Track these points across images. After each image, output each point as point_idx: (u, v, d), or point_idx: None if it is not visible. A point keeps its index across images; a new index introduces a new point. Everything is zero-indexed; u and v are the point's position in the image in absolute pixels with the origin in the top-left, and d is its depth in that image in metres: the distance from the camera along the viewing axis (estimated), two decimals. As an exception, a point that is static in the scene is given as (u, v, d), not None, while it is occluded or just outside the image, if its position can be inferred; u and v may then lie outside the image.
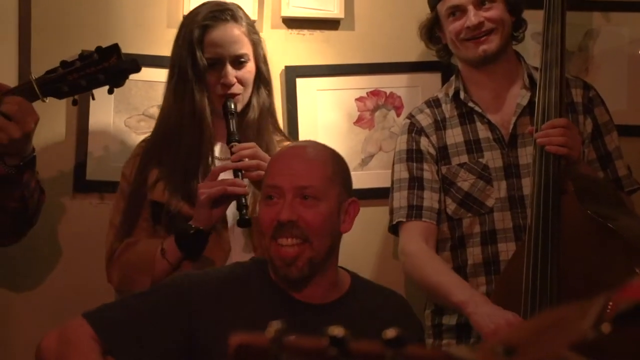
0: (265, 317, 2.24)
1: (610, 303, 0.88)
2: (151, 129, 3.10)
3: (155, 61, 3.12)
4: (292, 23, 3.26)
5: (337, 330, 0.93)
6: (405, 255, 2.92)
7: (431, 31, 3.01)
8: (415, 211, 2.94)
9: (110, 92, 2.65)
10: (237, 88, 2.78)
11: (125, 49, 2.71)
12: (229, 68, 2.77)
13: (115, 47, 2.62)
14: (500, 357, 0.92)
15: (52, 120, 3.02)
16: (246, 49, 2.80)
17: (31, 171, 2.65)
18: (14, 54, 3.14)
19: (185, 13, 3.14)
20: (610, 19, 3.33)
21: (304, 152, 2.41)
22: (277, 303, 2.33)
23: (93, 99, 2.68)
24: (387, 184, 3.05)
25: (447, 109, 3.01)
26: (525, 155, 2.90)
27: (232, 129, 2.72)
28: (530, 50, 3.24)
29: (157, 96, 3.17)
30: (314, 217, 2.30)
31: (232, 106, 2.75)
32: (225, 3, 2.87)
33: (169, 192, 2.75)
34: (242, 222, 2.64)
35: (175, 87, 2.79)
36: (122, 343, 2.27)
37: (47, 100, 2.60)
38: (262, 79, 2.86)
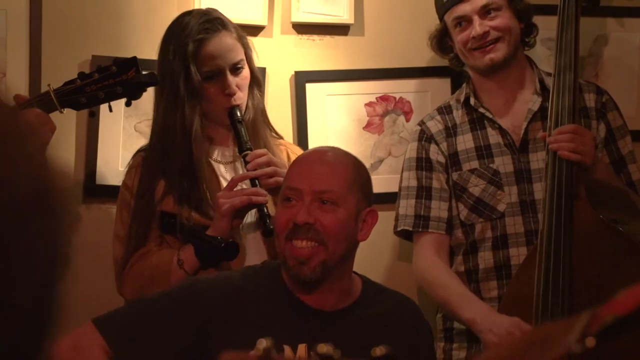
0: (275, 322, 2.24)
1: (596, 318, 0.88)
2: None
3: None
4: (302, 28, 3.27)
5: (326, 348, 0.93)
6: (417, 267, 2.96)
7: (441, 41, 3.03)
8: (422, 221, 2.96)
9: (128, 104, 2.65)
10: (239, 96, 2.79)
11: (137, 54, 2.69)
12: (230, 77, 2.76)
13: (133, 60, 2.61)
14: None
15: (63, 125, 2.98)
16: (240, 54, 2.80)
17: None
18: (25, 61, 3.15)
19: None
20: (624, 25, 3.35)
21: (325, 156, 2.41)
22: (288, 308, 2.32)
23: (110, 110, 2.67)
24: (397, 189, 3.06)
25: (458, 115, 3.02)
26: (537, 160, 2.91)
27: (244, 138, 2.73)
28: (540, 55, 3.24)
29: None
30: (331, 222, 2.30)
31: (239, 114, 2.76)
32: (211, 11, 2.86)
33: (179, 203, 2.74)
34: (267, 232, 2.63)
35: (167, 101, 2.76)
36: (130, 352, 2.26)
37: (64, 112, 2.61)
38: (255, 80, 2.86)
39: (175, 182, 2.75)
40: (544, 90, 2.96)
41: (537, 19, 3.04)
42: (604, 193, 2.81)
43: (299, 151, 2.84)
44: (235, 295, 2.32)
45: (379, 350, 0.93)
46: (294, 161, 2.46)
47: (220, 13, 2.85)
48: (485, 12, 2.90)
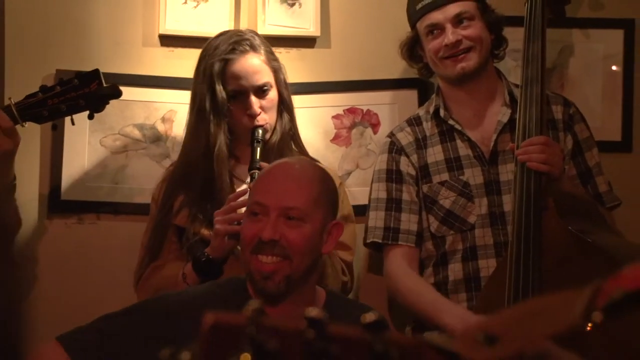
0: None
1: (601, 292, 0.87)
2: (127, 148, 3.20)
3: (131, 80, 3.15)
4: (269, 41, 3.16)
5: (314, 312, 0.90)
6: (389, 278, 2.96)
7: (412, 50, 3.03)
8: (392, 234, 2.96)
9: (91, 117, 2.67)
10: (262, 117, 2.85)
11: (101, 68, 2.73)
12: (253, 99, 2.84)
13: (96, 73, 2.64)
14: (481, 346, 0.91)
15: (27, 139, 2.98)
16: (267, 77, 2.87)
17: (11, 198, 2.66)
18: None
19: (161, 32, 3.26)
20: (589, 36, 3.38)
21: (292, 170, 2.40)
22: None
23: (73, 124, 2.68)
24: (365, 202, 3.07)
25: (428, 127, 3.02)
26: (506, 172, 2.92)
27: (255, 157, 2.77)
28: (508, 67, 3.27)
29: (133, 115, 3.24)
30: (297, 237, 2.31)
31: (259, 134, 2.81)
32: (242, 32, 2.94)
33: (191, 218, 2.81)
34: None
35: (194, 120, 2.85)
36: None
37: (26, 125, 2.61)
38: (284, 105, 2.93)
39: (191, 197, 2.83)
40: (513, 102, 2.98)
41: (505, 31, 3.06)
42: (572, 204, 2.82)
43: (332, 175, 2.87)
44: (200, 309, 2.28)
45: (369, 317, 0.90)
46: (261, 174, 2.46)
47: (253, 35, 2.94)
48: (458, 21, 2.92)
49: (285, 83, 2.96)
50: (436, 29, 2.92)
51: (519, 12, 2.92)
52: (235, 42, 2.86)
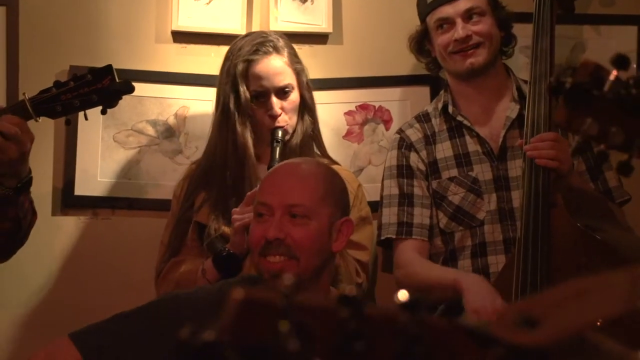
0: None
1: None
2: (140, 144, 3.22)
3: (143, 76, 3.18)
4: None
5: (349, 289, 0.89)
6: (399, 267, 2.96)
7: (420, 44, 3.06)
8: (405, 228, 2.97)
9: (104, 112, 2.69)
10: (283, 119, 2.91)
11: (114, 64, 2.72)
12: (274, 100, 2.90)
13: (108, 68, 2.66)
14: (521, 329, 0.89)
15: (41, 134, 2.98)
16: (289, 78, 2.94)
17: (27, 192, 2.69)
18: (2, 71, 3.18)
19: (174, 28, 3.30)
20: (600, 32, 3.41)
21: (297, 169, 2.41)
22: None
23: (86, 119, 2.72)
24: (377, 198, 3.08)
25: (437, 123, 3.05)
26: (515, 168, 2.94)
27: (275, 156, 2.82)
28: (519, 63, 3.27)
29: (146, 111, 3.28)
30: (302, 236, 2.30)
31: (279, 135, 2.87)
32: (266, 34, 3.01)
33: (212, 215, 2.86)
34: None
35: (220, 119, 2.92)
36: None
37: (40, 120, 2.63)
38: (306, 106, 2.99)
39: (213, 195, 2.89)
40: (521, 98, 2.99)
41: (516, 27, 3.08)
42: (581, 201, 2.83)
43: (350, 177, 2.93)
44: (211, 309, 2.27)
45: (402, 296, 0.89)
46: (266, 175, 2.47)
47: (277, 37, 3.01)
48: (468, 16, 2.94)
49: (308, 85, 3.01)
50: (446, 23, 2.95)
51: (528, 9, 2.94)
52: (259, 43, 2.93)
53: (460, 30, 2.92)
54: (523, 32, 3.09)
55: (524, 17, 3.04)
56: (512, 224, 2.90)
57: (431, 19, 2.98)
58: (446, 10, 2.94)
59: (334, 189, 2.39)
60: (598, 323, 0.87)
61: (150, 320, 2.31)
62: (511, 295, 2.68)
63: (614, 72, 1.50)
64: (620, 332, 1.09)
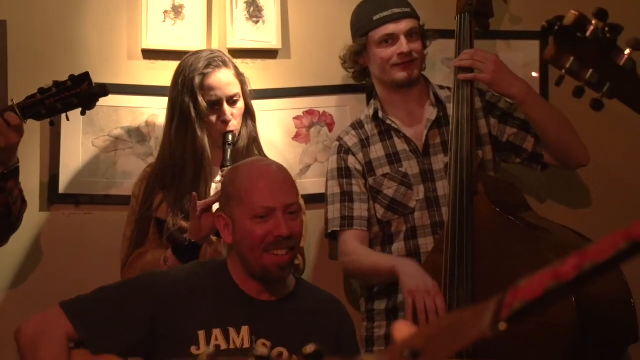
0: (220, 309, 2.46)
1: (504, 304, 0.91)
2: (115, 148, 3.34)
3: (118, 89, 3.27)
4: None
5: (261, 350, 0.96)
6: (343, 255, 3.09)
7: (357, 55, 3.16)
8: (347, 221, 3.09)
9: (83, 113, 2.79)
10: (233, 124, 3.04)
11: (93, 78, 2.81)
12: (226, 107, 3.03)
13: (86, 75, 2.76)
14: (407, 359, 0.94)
15: (29, 139, 3.07)
16: (237, 88, 3.08)
17: (15, 180, 2.79)
18: None
19: (144, 47, 3.38)
20: (510, 46, 3.54)
21: (277, 172, 2.53)
22: (232, 298, 2.47)
23: (68, 119, 2.81)
24: (323, 190, 3.22)
25: (369, 128, 3.17)
26: (437, 162, 3.10)
27: (227, 157, 2.96)
28: (444, 73, 3.43)
29: (120, 119, 3.36)
30: (299, 229, 2.49)
31: (230, 138, 3.00)
32: (213, 51, 3.13)
33: (171, 211, 2.97)
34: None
35: (178, 126, 3.03)
36: (93, 334, 2.38)
37: (27, 122, 2.73)
38: (249, 113, 3.13)
39: (171, 193, 2.99)
40: (438, 102, 3.15)
41: (440, 42, 3.25)
42: (498, 188, 2.97)
43: None
44: (185, 288, 2.46)
45: (309, 348, 0.95)
46: (251, 179, 2.50)
47: (222, 53, 3.12)
48: (409, 34, 3.07)
49: (250, 94, 3.13)
50: (391, 39, 3.06)
51: (451, 27, 3.12)
52: (210, 58, 3.03)
53: (405, 45, 3.04)
54: (445, 46, 3.26)
55: (447, 34, 3.21)
56: (437, 210, 3.04)
57: (375, 34, 3.07)
58: (392, 28, 3.06)
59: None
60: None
61: (131, 291, 2.44)
62: (440, 273, 2.80)
63: (594, 21, 1.64)
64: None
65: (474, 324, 0.92)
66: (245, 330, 2.44)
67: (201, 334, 2.41)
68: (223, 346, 2.39)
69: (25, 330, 2.41)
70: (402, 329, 1.03)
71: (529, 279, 0.90)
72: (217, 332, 2.41)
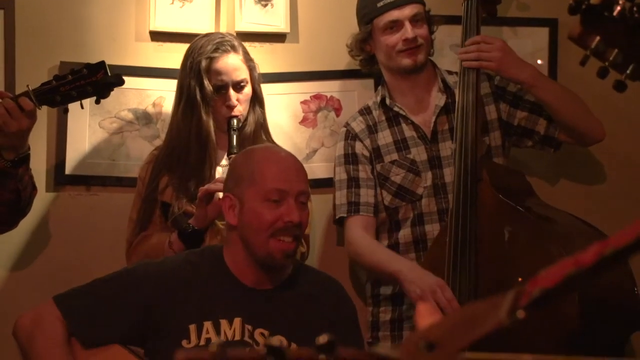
0: (214, 299, 2.44)
1: (524, 293, 0.91)
2: (122, 130, 3.32)
3: (125, 71, 3.14)
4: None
5: (274, 341, 0.95)
6: (349, 244, 3.11)
7: (363, 42, 3.17)
8: (354, 207, 3.10)
9: (97, 102, 2.81)
10: (238, 109, 3.03)
11: (99, 59, 2.83)
12: (232, 92, 3.02)
13: (102, 64, 2.77)
14: (422, 352, 0.94)
15: (36, 122, 2.94)
16: (245, 74, 3.07)
17: (25, 166, 2.81)
18: (1, 66, 3.28)
19: (151, 29, 3.39)
20: (517, 33, 3.52)
21: (292, 159, 2.50)
22: (226, 286, 2.44)
23: (82, 107, 2.82)
24: (329, 175, 3.24)
25: (377, 114, 3.18)
26: (445, 148, 3.10)
27: (232, 143, 2.96)
28: (450, 60, 3.40)
29: (127, 101, 3.37)
30: (306, 219, 2.48)
31: (235, 124, 3.00)
32: (223, 35, 3.12)
33: (176, 195, 2.98)
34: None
35: (184, 109, 3.03)
36: (84, 324, 2.39)
37: (41, 108, 2.77)
38: (257, 99, 3.12)
39: (177, 177, 2.98)
40: (446, 88, 3.16)
41: (446, 28, 3.25)
42: (503, 175, 2.97)
43: None
44: (178, 275, 2.45)
45: (322, 339, 0.95)
46: (265, 162, 2.48)
47: (232, 37, 3.10)
48: (414, 20, 3.07)
49: (259, 80, 3.12)
50: (395, 25, 3.07)
51: (458, 12, 3.10)
52: (218, 42, 3.03)
53: (409, 31, 3.05)
54: (453, 32, 3.27)
55: (454, 20, 3.23)
56: (444, 197, 3.05)
57: (380, 21, 3.09)
58: (396, 14, 3.07)
59: None
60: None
61: (124, 284, 2.43)
62: (444, 259, 2.81)
63: (621, 1, 1.60)
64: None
65: (491, 314, 0.92)
66: (237, 322, 2.42)
67: (192, 327, 2.40)
68: (214, 339, 2.37)
69: (20, 325, 2.43)
70: (424, 315, 1.04)
71: (549, 269, 0.91)
72: (208, 325, 2.40)
